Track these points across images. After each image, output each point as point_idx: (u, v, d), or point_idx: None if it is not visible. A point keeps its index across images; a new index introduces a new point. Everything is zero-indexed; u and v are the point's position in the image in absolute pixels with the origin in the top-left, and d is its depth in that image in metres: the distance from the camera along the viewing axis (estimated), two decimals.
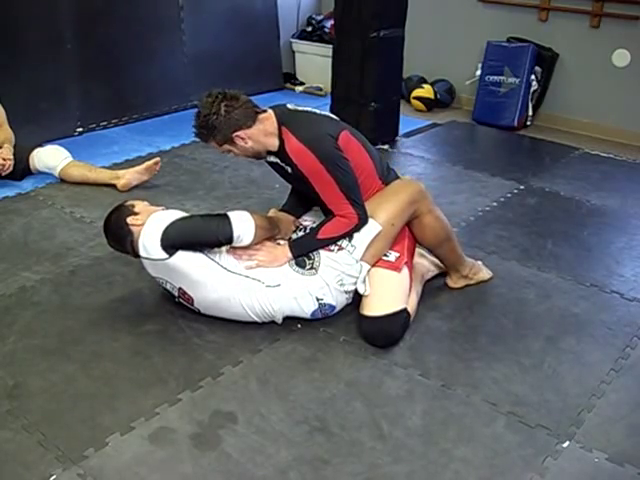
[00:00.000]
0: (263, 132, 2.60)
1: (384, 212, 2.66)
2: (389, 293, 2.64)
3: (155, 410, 2.26)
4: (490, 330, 2.75)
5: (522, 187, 4.20)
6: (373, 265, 2.69)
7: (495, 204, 3.95)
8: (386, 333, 2.60)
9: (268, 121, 2.61)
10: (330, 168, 2.54)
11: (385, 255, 2.70)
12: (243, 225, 2.54)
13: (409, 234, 2.80)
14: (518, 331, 2.76)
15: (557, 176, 4.41)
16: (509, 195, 4.09)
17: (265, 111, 2.63)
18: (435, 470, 2.06)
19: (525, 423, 2.25)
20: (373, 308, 2.60)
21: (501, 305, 2.93)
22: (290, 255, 2.62)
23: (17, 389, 2.35)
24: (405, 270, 2.71)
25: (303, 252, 2.64)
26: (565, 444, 2.17)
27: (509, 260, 3.31)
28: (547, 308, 2.92)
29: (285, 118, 2.63)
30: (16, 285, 2.99)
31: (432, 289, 3.02)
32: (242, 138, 2.57)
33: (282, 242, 2.73)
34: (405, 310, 2.63)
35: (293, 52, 6.49)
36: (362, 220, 2.62)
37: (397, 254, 2.72)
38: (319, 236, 2.61)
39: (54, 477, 1.99)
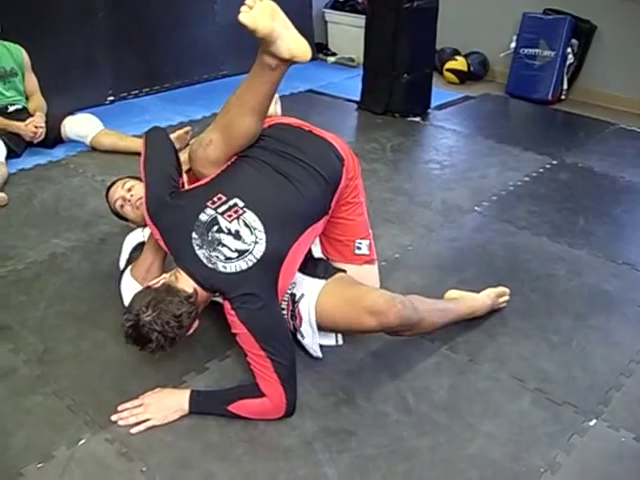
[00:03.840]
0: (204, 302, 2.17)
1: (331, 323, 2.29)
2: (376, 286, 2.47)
3: (183, 378, 2.29)
4: (518, 306, 2.73)
5: (555, 162, 4.14)
6: (348, 262, 2.43)
7: (527, 179, 3.90)
8: None
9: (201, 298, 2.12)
10: (267, 347, 2.04)
11: (357, 248, 2.42)
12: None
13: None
14: (547, 308, 2.73)
15: (591, 152, 4.34)
16: (541, 170, 4.03)
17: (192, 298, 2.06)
18: (460, 444, 2.06)
19: (552, 400, 2.24)
20: None
21: (530, 281, 2.90)
22: (186, 408, 2.12)
23: (47, 354, 2.39)
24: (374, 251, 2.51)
25: (201, 411, 2.14)
26: (592, 422, 2.15)
27: (540, 236, 3.27)
28: (577, 285, 2.89)
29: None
30: (47, 252, 3.02)
31: (460, 264, 3.00)
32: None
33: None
34: None
35: (326, 22, 6.43)
36: (289, 412, 2.12)
37: (367, 241, 2.45)
38: (229, 407, 2.10)
39: (83, 441, 2.03)
